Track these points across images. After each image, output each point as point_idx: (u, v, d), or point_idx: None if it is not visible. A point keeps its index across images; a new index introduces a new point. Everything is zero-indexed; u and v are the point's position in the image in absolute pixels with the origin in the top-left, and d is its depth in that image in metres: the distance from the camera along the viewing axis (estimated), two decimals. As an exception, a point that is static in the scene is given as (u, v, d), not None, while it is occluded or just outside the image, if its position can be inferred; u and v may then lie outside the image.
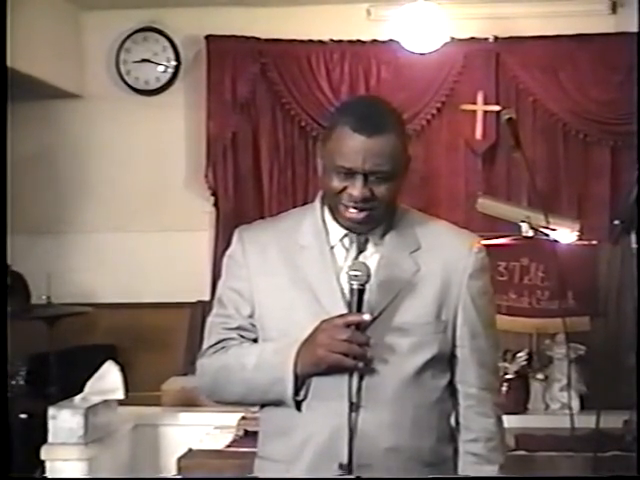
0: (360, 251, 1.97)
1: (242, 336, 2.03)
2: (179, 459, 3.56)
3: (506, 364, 3.86)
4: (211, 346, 2.05)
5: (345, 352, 1.85)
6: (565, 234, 4.13)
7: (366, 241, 1.98)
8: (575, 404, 3.83)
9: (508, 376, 3.86)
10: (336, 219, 1.98)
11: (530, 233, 4.08)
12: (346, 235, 1.99)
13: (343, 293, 1.94)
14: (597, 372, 3.85)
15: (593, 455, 3.33)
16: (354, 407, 1.89)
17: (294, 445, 1.95)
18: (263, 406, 2.04)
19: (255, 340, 2.03)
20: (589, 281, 4.03)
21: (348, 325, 1.85)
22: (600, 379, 3.72)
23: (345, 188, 1.91)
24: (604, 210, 5.09)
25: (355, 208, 1.91)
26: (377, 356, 1.89)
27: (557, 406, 3.97)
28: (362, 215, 1.92)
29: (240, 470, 3.16)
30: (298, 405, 1.94)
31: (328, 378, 1.90)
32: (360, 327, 1.86)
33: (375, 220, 1.96)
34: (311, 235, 2.01)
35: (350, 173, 1.89)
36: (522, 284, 3.99)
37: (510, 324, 3.85)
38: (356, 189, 1.89)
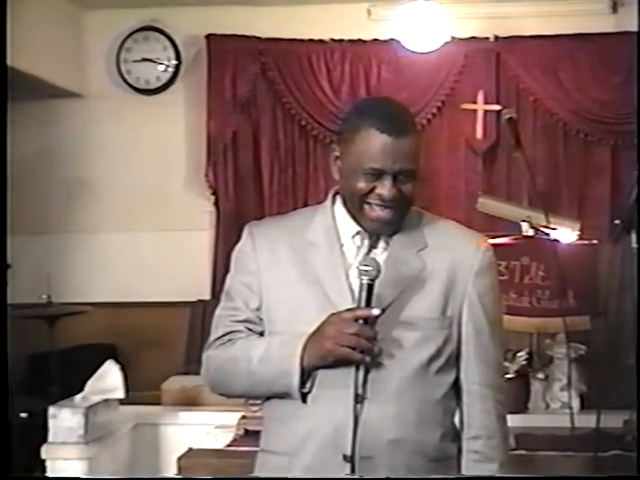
0: (371, 248, 2.00)
1: (249, 329, 2.05)
2: (179, 458, 3.56)
3: (506, 363, 3.86)
4: (218, 338, 2.06)
5: (353, 346, 1.87)
6: (565, 234, 4.13)
7: (377, 239, 2.00)
8: (575, 404, 3.83)
9: (508, 375, 3.85)
10: (356, 220, 2.00)
11: (530, 232, 4.08)
12: (357, 233, 2.01)
13: (352, 289, 1.96)
14: (597, 372, 3.85)
15: (593, 455, 3.34)
16: (359, 399, 1.90)
17: (297, 437, 1.96)
18: (267, 399, 2.05)
19: (262, 333, 2.04)
20: (589, 281, 4.03)
21: (357, 319, 1.87)
22: (600, 379, 3.73)
23: (373, 189, 1.93)
24: (604, 210, 5.10)
25: (385, 208, 1.93)
26: (384, 350, 1.91)
27: (557, 405, 3.97)
28: (390, 215, 1.95)
29: (241, 469, 3.15)
30: (304, 398, 1.95)
31: (334, 371, 1.92)
32: (368, 321, 1.88)
33: (400, 219, 1.99)
34: (321, 232, 2.03)
35: (378, 174, 1.92)
36: (522, 283, 3.99)
37: (510, 323, 3.85)
38: (386, 189, 1.92)
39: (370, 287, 1.88)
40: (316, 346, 1.90)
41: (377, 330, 1.88)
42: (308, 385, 1.94)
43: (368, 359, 1.89)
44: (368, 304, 1.88)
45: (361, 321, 1.87)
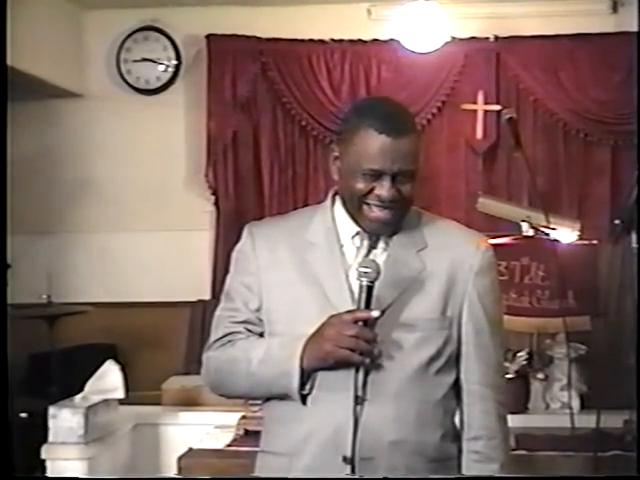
0: (371, 249, 1.99)
1: (249, 330, 2.05)
2: (179, 458, 3.56)
3: (506, 363, 3.86)
4: (218, 339, 2.06)
5: (352, 348, 1.87)
6: (565, 234, 4.13)
7: (377, 239, 2.00)
8: (575, 404, 3.84)
9: (508, 376, 3.85)
10: (355, 220, 1.99)
11: (530, 233, 4.08)
12: (357, 234, 2.01)
13: (351, 290, 1.95)
14: (597, 372, 3.85)
15: (593, 455, 3.34)
16: (359, 400, 1.90)
17: (298, 438, 1.96)
18: (266, 401, 2.05)
19: (261, 334, 2.04)
20: (589, 281, 4.03)
21: (356, 321, 1.87)
22: (600, 379, 3.73)
23: (372, 190, 1.93)
24: (604, 210, 5.09)
25: (384, 208, 1.93)
26: (384, 352, 1.91)
27: (557, 406, 3.97)
28: (389, 215, 1.95)
29: (241, 469, 3.16)
30: (303, 399, 1.95)
31: (334, 372, 1.92)
32: (368, 323, 1.88)
33: (399, 219, 1.99)
34: (321, 233, 2.03)
35: (377, 175, 1.91)
36: (522, 284, 3.99)
37: (510, 323, 3.84)
38: (384, 190, 1.92)
39: (370, 289, 1.88)
40: (316, 348, 1.90)
41: (377, 332, 1.88)
42: (308, 387, 1.94)
43: (368, 361, 1.89)
44: (368, 306, 1.88)
45: (361, 323, 1.87)
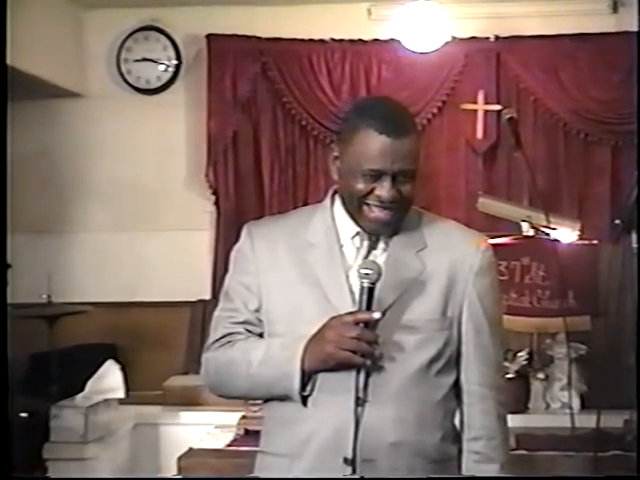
0: (371, 249, 1.99)
1: (248, 330, 2.04)
2: (179, 458, 3.57)
3: (507, 363, 3.87)
4: (217, 340, 2.06)
5: (354, 350, 1.87)
6: (566, 233, 4.13)
7: (377, 240, 2.00)
8: (576, 403, 3.84)
9: (508, 376, 3.86)
10: (355, 220, 1.99)
11: (531, 232, 4.09)
12: (357, 234, 2.00)
13: (352, 291, 1.95)
14: (598, 371, 3.86)
15: (593, 455, 3.34)
16: (360, 402, 1.90)
17: (298, 439, 1.96)
18: (266, 401, 2.05)
19: (261, 335, 2.04)
20: (590, 281, 4.04)
21: (357, 323, 1.87)
22: (601, 379, 3.73)
23: (372, 190, 1.92)
24: (605, 210, 5.09)
25: (384, 209, 1.93)
26: (384, 353, 1.91)
27: (558, 405, 3.97)
28: (389, 216, 1.95)
29: (240, 469, 3.16)
30: (304, 400, 1.95)
31: (335, 374, 1.92)
32: (369, 325, 1.87)
33: (399, 219, 1.98)
34: (321, 233, 2.02)
35: (377, 175, 1.91)
36: (523, 283, 4.00)
37: (511, 323, 3.86)
38: (385, 190, 1.92)
39: (371, 290, 1.88)
40: (317, 349, 1.90)
41: (378, 333, 1.88)
42: (308, 388, 1.94)
43: (369, 363, 1.88)
44: (369, 307, 1.88)
45: (362, 324, 1.87)
